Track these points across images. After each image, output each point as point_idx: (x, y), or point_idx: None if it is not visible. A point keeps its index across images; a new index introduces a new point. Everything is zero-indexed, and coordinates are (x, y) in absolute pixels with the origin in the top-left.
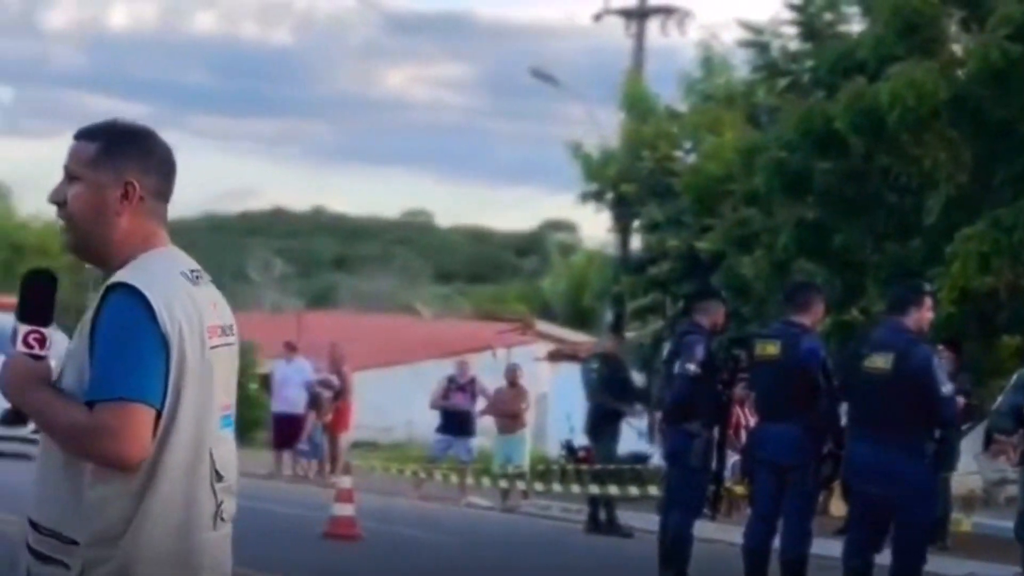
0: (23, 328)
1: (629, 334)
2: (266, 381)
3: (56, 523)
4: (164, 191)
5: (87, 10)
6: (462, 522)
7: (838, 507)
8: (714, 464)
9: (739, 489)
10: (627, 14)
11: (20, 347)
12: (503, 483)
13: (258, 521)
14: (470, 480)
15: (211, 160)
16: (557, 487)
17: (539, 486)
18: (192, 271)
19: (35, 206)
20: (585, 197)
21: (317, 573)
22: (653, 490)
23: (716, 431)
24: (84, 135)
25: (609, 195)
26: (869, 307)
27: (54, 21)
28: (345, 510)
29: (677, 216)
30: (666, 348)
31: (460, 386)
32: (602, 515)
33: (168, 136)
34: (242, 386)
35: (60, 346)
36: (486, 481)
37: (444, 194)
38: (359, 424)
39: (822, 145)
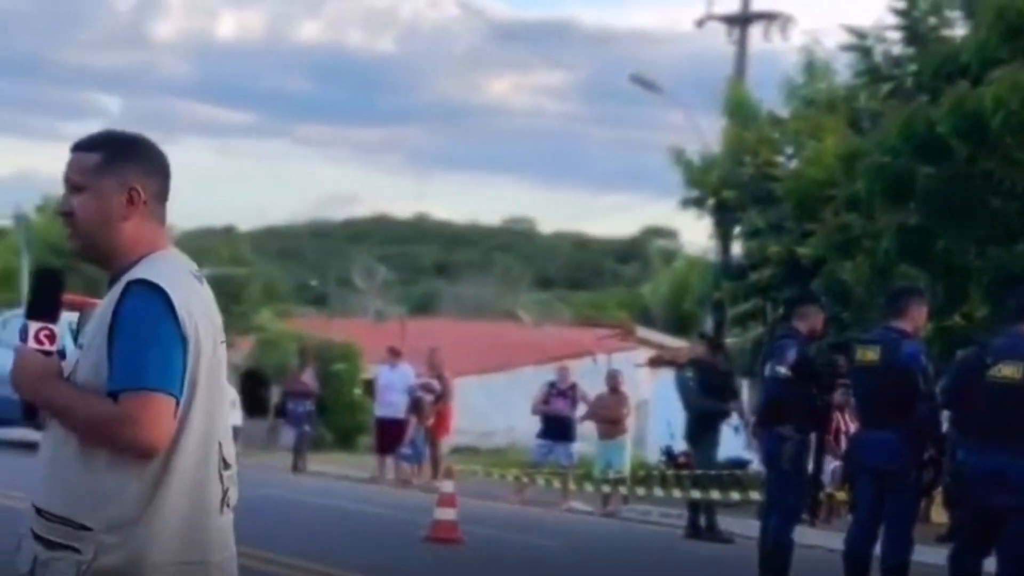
0: (34, 325)
1: (729, 340)
2: (369, 386)
3: (67, 510)
4: (163, 193)
5: (195, 20)
6: (562, 527)
7: (939, 514)
8: (811, 469)
9: (840, 495)
10: (729, 20)
11: (32, 343)
12: (604, 488)
13: (361, 524)
14: (571, 485)
15: (315, 168)
16: (658, 492)
17: (639, 491)
18: (196, 271)
19: None
20: (686, 203)
21: None
22: (754, 495)
23: (813, 436)
24: (84, 146)
25: (710, 201)
26: (972, 312)
27: (162, 31)
28: (447, 514)
29: (778, 222)
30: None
31: (561, 391)
32: (702, 520)
33: (273, 144)
34: (346, 391)
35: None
36: (587, 486)
37: (545, 201)
38: (460, 430)
39: (925, 150)
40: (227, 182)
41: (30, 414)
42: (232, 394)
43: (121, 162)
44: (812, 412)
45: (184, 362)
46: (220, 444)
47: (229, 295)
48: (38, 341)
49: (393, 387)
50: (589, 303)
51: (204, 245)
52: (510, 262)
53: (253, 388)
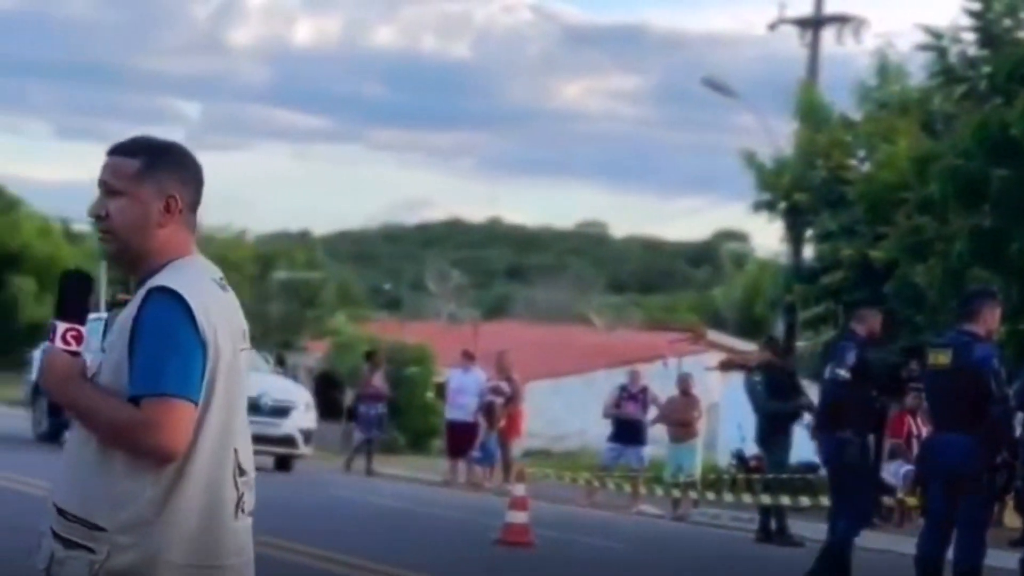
0: (62, 326)
1: (800, 343)
2: (440, 390)
3: (84, 510)
4: (196, 202)
5: (272, 26)
6: (633, 530)
7: (1012, 518)
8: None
9: (911, 500)
10: (802, 23)
11: (59, 344)
12: (675, 492)
13: (432, 527)
14: (641, 489)
15: (389, 172)
16: (728, 496)
17: (710, 495)
18: (220, 278)
19: (221, 218)
20: (758, 206)
21: None
22: (824, 500)
23: (872, 439)
24: (122, 151)
25: (782, 204)
26: None
27: (240, 38)
28: (519, 517)
29: (851, 225)
30: None
31: (632, 395)
32: (773, 524)
33: (349, 149)
34: (418, 395)
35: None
36: (658, 489)
37: (618, 204)
38: (533, 433)
39: (998, 152)
40: (303, 187)
41: (55, 413)
42: (306, 397)
43: (160, 169)
44: (870, 414)
45: (203, 367)
46: (236, 450)
47: (304, 299)
48: (65, 341)
49: (466, 390)
50: (661, 307)
51: (280, 249)
52: (582, 266)
53: (327, 391)
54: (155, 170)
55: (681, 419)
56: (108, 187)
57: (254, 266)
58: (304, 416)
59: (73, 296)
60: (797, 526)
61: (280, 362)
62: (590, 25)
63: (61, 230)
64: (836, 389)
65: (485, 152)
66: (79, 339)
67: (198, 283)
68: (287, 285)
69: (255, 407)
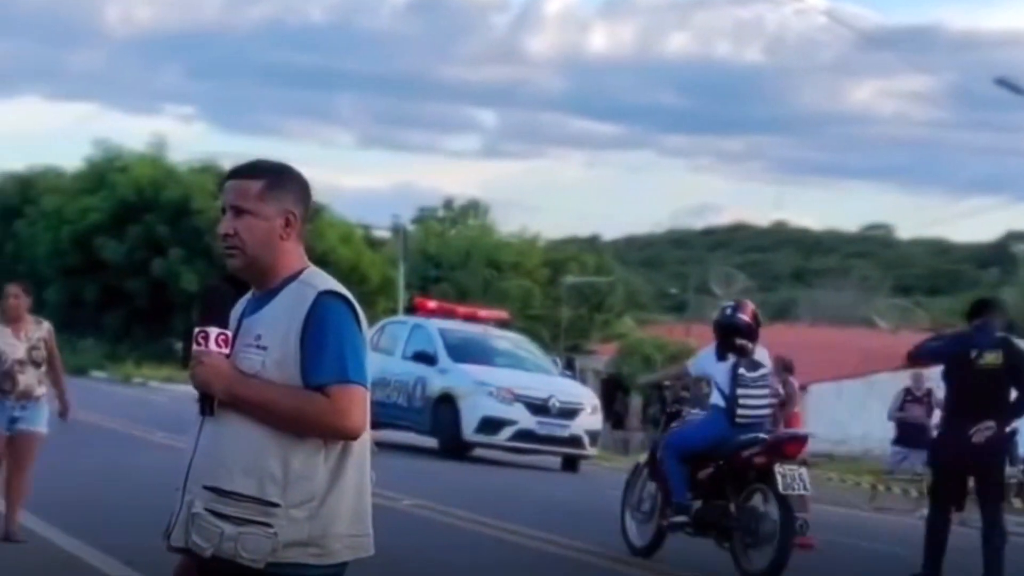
0: (214, 331)
1: None
2: None
3: (258, 490)
4: (307, 216)
5: (568, 35)
6: (917, 535)
7: None
8: None
9: None
10: None
11: (214, 347)
12: None
13: None
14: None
15: (678, 177)
16: (1016, 502)
17: None
18: None
19: (515, 224)
20: None
21: None
22: None
23: None
24: (245, 174)
25: None
26: None
27: (536, 46)
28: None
29: None
30: None
31: (916, 398)
32: None
33: (639, 155)
34: None
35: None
36: None
37: (905, 207)
38: (816, 436)
39: None
40: (593, 193)
41: (208, 409)
42: (593, 399)
43: (280, 188)
44: None
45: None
46: None
47: (592, 303)
48: (218, 345)
49: None
50: (947, 309)
51: (570, 254)
52: (867, 268)
53: (613, 394)
54: (276, 189)
55: None
56: (236, 208)
57: (545, 270)
58: (590, 418)
59: (220, 305)
60: None
61: (569, 365)
62: (882, 27)
63: (362, 236)
64: None
65: (773, 156)
66: (227, 342)
67: (344, 288)
68: (576, 289)
69: (544, 409)
